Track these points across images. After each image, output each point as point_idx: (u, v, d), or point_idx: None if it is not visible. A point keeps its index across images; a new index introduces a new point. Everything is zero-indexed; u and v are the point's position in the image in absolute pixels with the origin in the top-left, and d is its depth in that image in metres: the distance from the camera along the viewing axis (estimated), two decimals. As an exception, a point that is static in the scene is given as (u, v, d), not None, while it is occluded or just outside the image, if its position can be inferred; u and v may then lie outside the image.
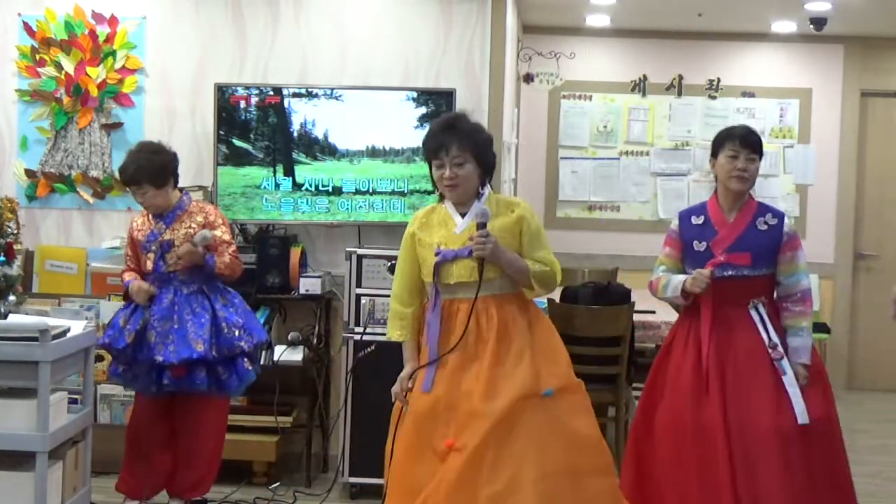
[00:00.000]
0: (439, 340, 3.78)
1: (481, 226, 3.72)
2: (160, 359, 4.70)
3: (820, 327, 8.25)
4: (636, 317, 5.97)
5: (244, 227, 5.86)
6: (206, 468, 4.98)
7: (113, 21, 5.97)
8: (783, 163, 8.61)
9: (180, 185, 5.78)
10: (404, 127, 5.72)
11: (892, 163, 8.73)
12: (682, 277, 4.19)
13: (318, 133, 5.77)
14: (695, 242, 4.21)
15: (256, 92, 5.77)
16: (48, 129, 6.00)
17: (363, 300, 5.43)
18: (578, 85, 8.66)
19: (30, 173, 6.01)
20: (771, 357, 4.06)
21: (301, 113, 5.76)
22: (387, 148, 5.75)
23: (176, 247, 4.81)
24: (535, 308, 3.90)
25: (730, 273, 4.11)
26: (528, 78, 8.18)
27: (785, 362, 4.05)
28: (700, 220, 4.24)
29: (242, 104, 5.77)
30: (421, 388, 3.77)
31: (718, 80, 8.70)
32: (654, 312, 6.37)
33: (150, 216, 4.92)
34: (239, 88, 5.79)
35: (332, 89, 5.79)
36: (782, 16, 8.00)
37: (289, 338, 5.67)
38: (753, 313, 4.11)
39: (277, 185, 5.77)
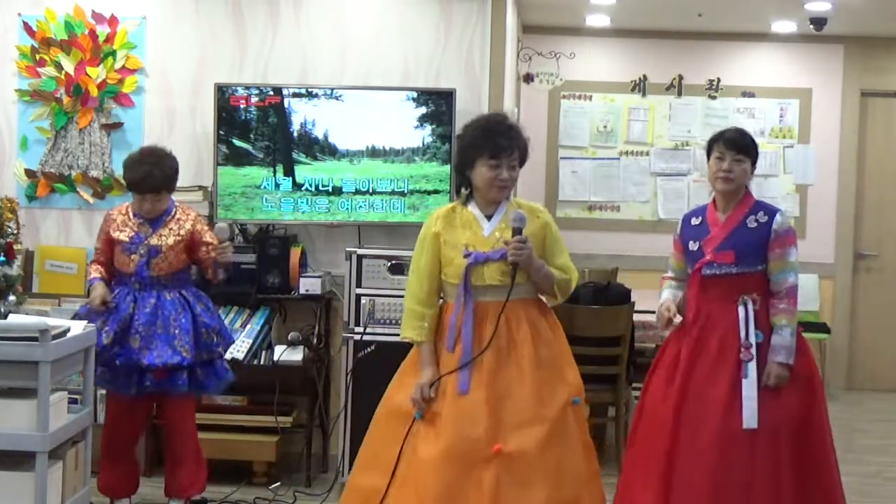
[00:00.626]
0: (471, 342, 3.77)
1: (517, 231, 3.72)
2: (145, 362, 4.71)
3: (820, 327, 8.26)
4: (636, 317, 5.98)
5: (244, 227, 5.86)
6: (197, 465, 4.99)
7: (113, 21, 5.96)
8: (783, 163, 8.61)
9: (179, 184, 5.76)
10: (404, 127, 5.72)
11: (892, 163, 8.74)
12: (665, 297, 4.35)
13: (318, 133, 5.77)
14: (690, 243, 4.27)
15: (256, 92, 5.77)
16: (48, 129, 6.00)
17: (363, 300, 5.43)
18: (578, 85, 8.66)
19: (30, 173, 6.01)
20: (741, 357, 4.07)
21: (301, 113, 5.76)
22: (387, 148, 5.75)
23: (164, 253, 4.81)
24: (552, 314, 3.93)
25: (718, 272, 4.15)
26: (528, 78, 8.18)
27: (752, 364, 4.05)
28: (698, 221, 4.29)
29: (242, 104, 5.77)
30: (458, 391, 3.72)
31: (718, 80, 8.70)
32: (653, 312, 6.37)
33: (132, 215, 4.88)
34: (239, 88, 5.79)
35: (332, 89, 5.79)
36: (782, 16, 8.00)
37: (289, 338, 5.67)
38: (741, 309, 4.12)
39: (277, 185, 5.77)
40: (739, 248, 4.13)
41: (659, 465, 4.10)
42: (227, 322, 5.65)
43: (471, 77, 5.89)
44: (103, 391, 5.58)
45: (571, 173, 8.72)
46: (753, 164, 4.26)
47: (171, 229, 4.86)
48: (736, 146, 4.21)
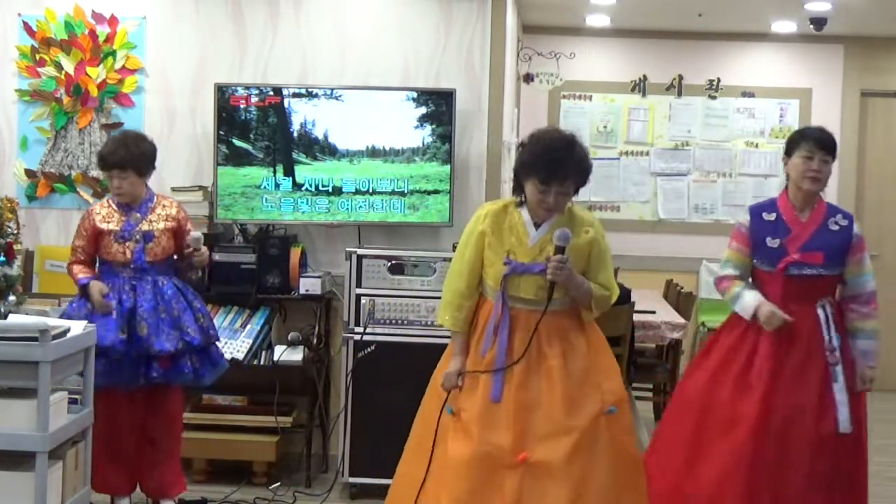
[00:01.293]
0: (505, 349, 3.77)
1: (560, 249, 3.68)
2: (157, 348, 4.70)
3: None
4: (636, 317, 5.98)
5: (244, 227, 5.85)
6: (179, 462, 5.00)
7: (113, 21, 5.96)
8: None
9: (179, 184, 5.84)
10: (404, 127, 5.72)
11: (892, 163, 8.74)
12: (753, 300, 4.14)
13: (318, 133, 5.77)
14: (768, 239, 4.17)
15: (256, 92, 5.77)
16: (48, 129, 6.00)
17: (363, 300, 5.43)
18: (578, 85, 8.67)
19: (30, 173, 6.01)
20: (827, 360, 4.08)
21: (301, 113, 5.76)
22: (387, 148, 5.75)
23: (157, 237, 4.82)
24: (591, 324, 3.90)
25: (804, 272, 4.11)
26: (528, 78, 8.18)
27: (839, 368, 4.07)
28: (772, 217, 4.20)
29: (242, 104, 5.77)
30: (491, 398, 3.72)
31: (718, 80, 8.70)
32: (654, 312, 6.38)
33: (116, 206, 4.87)
34: (239, 88, 5.79)
35: (332, 89, 5.78)
36: (782, 16, 8.00)
37: (289, 338, 5.66)
38: (820, 312, 4.12)
39: (277, 185, 5.77)
40: (827, 250, 4.11)
41: (745, 469, 4.03)
42: (227, 322, 5.67)
43: (471, 77, 5.89)
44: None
45: (571, 173, 8.71)
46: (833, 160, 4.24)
47: (158, 215, 4.87)
48: (825, 146, 4.15)
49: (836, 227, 4.16)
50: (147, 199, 4.90)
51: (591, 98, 8.76)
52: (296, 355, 5.61)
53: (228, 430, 5.60)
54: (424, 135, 5.72)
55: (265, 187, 5.76)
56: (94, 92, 5.95)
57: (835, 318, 4.13)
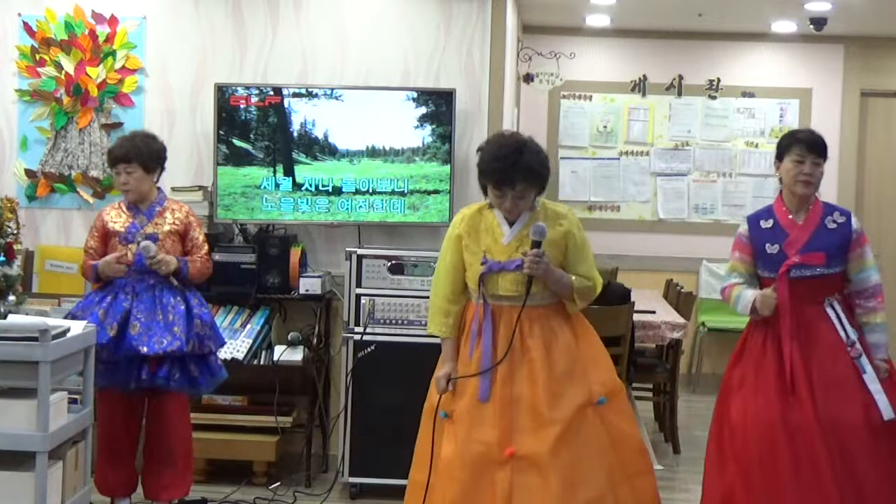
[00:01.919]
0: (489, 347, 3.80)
1: (536, 244, 3.73)
2: (145, 349, 4.67)
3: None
4: (636, 317, 5.98)
5: (244, 227, 5.85)
6: (182, 466, 4.95)
7: (113, 21, 5.96)
8: (783, 163, 8.61)
9: (179, 184, 5.82)
10: (404, 127, 5.72)
11: (891, 163, 8.74)
12: (751, 294, 4.16)
13: (318, 133, 5.77)
14: (767, 245, 4.19)
15: (256, 92, 5.77)
16: (48, 129, 5.99)
17: (363, 300, 5.43)
18: (578, 85, 8.67)
19: (30, 173, 6.01)
20: (850, 355, 4.09)
21: (301, 113, 5.76)
22: (387, 148, 5.75)
23: (160, 240, 4.80)
24: (577, 315, 3.93)
25: (806, 273, 4.12)
26: (528, 78, 8.18)
27: (864, 359, 4.09)
28: (769, 224, 4.22)
29: (242, 104, 5.77)
30: (479, 399, 3.75)
31: (718, 80, 8.70)
32: (654, 312, 6.38)
33: (125, 208, 4.88)
34: (239, 88, 5.79)
35: (332, 89, 5.78)
36: (782, 16, 8.00)
37: (289, 338, 5.66)
38: (829, 311, 4.13)
39: (277, 185, 5.77)
40: (828, 249, 4.12)
41: (817, 474, 3.98)
42: (227, 322, 5.66)
43: (471, 77, 5.89)
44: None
45: (571, 173, 8.72)
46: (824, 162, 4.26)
47: (165, 218, 4.87)
48: (815, 149, 4.18)
49: (833, 226, 4.17)
50: (156, 202, 4.89)
51: (591, 98, 8.76)
52: (296, 355, 5.61)
53: (228, 430, 5.60)
54: (424, 135, 5.72)
55: (265, 187, 5.76)
56: (94, 92, 5.95)
57: (845, 312, 4.15)
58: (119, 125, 5.95)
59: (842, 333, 4.11)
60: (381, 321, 5.42)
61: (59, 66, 5.96)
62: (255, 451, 5.61)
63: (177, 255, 4.86)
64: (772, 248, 4.18)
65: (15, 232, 5.45)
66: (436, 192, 5.71)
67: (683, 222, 8.74)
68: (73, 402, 4.46)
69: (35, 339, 4.06)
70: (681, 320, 6.34)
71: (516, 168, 3.74)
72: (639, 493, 3.83)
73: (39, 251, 5.94)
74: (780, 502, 4.04)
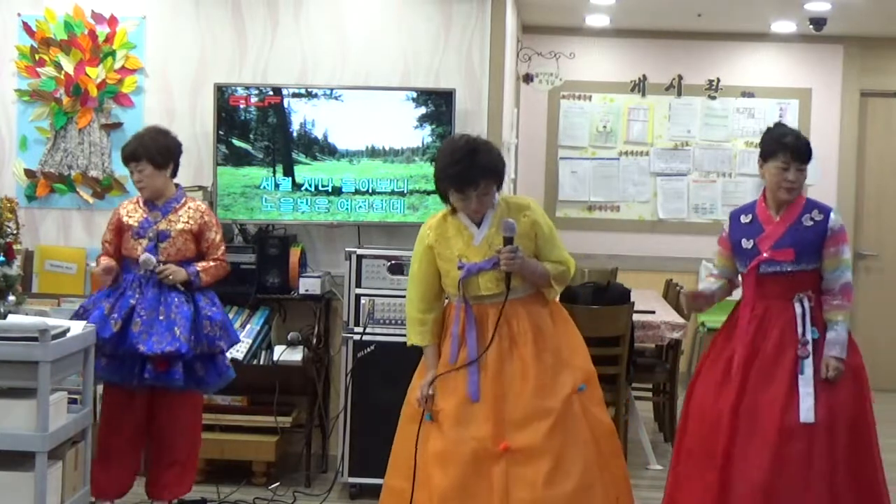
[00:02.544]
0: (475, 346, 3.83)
1: (508, 240, 3.76)
2: (143, 349, 4.65)
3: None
4: (636, 317, 5.97)
5: (244, 228, 5.85)
6: (186, 466, 4.94)
7: (112, 21, 5.96)
8: (783, 163, 8.61)
9: (179, 184, 5.80)
10: (404, 127, 5.72)
11: (891, 163, 8.74)
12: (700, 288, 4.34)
13: (318, 133, 5.77)
14: (743, 241, 4.24)
15: (256, 92, 5.77)
16: (48, 129, 5.99)
17: (363, 300, 5.43)
18: (578, 85, 8.66)
19: (29, 173, 6.01)
20: (798, 353, 4.10)
21: (300, 113, 5.76)
22: (386, 148, 5.75)
23: (172, 238, 4.79)
24: (555, 303, 3.99)
25: (773, 269, 4.15)
26: (528, 78, 8.18)
27: (808, 361, 4.10)
28: (748, 219, 4.27)
29: (242, 104, 5.77)
30: (470, 398, 3.77)
31: (718, 80, 8.70)
32: (653, 312, 6.38)
33: (142, 203, 4.87)
34: (238, 88, 5.79)
35: (332, 89, 5.78)
36: (782, 16, 8.00)
37: (288, 338, 5.67)
38: (797, 306, 4.15)
39: (277, 186, 5.77)
40: (798, 246, 4.14)
41: (715, 462, 4.12)
42: (226, 322, 5.65)
43: (470, 77, 5.89)
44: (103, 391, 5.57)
45: (571, 173, 8.72)
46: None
47: (179, 216, 4.85)
48: (800, 156, 4.17)
49: (810, 223, 4.18)
50: (173, 199, 4.88)
51: (590, 98, 8.76)
52: (295, 355, 5.61)
53: (228, 430, 5.60)
54: (424, 135, 5.72)
55: (265, 187, 5.76)
56: (93, 92, 5.95)
57: (813, 311, 4.15)
58: (119, 125, 5.95)
59: (799, 330, 4.12)
60: (381, 321, 5.42)
61: (58, 66, 5.96)
62: (255, 451, 5.61)
63: (189, 255, 4.84)
64: (747, 244, 4.22)
65: (14, 232, 5.46)
66: (435, 192, 5.69)
67: (683, 222, 8.74)
68: (72, 402, 4.47)
69: (35, 339, 4.06)
70: (680, 320, 6.34)
71: (474, 168, 3.78)
72: (615, 476, 3.89)
73: (39, 251, 5.94)
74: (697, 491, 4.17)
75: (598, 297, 5.86)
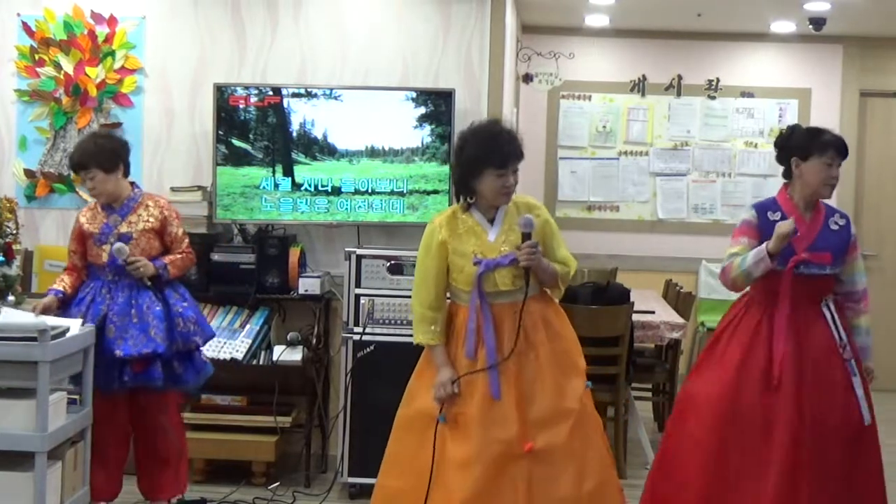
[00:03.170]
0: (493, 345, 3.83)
1: (527, 236, 3.78)
2: (120, 353, 4.62)
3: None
4: (635, 317, 5.97)
5: (243, 228, 5.85)
6: (178, 465, 4.93)
7: (112, 21, 5.96)
8: (782, 163, 8.61)
9: (178, 184, 5.82)
10: (403, 127, 5.72)
11: (891, 163, 8.74)
12: (760, 247, 4.08)
13: (318, 133, 5.77)
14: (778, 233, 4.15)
15: (255, 92, 5.77)
16: (47, 129, 5.99)
17: (362, 300, 5.43)
18: (577, 85, 8.67)
19: (29, 173, 6.01)
20: (843, 357, 4.12)
21: (300, 113, 5.76)
22: (386, 148, 5.75)
23: (135, 239, 4.73)
24: (555, 303, 4.01)
25: (812, 271, 4.13)
26: (528, 78, 8.18)
27: (853, 363, 4.13)
28: (777, 217, 4.18)
29: (241, 104, 5.77)
30: (493, 396, 3.77)
31: (718, 80, 8.70)
32: (653, 312, 6.38)
33: (100, 208, 4.82)
34: (238, 88, 5.79)
35: (332, 89, 5.78)
36: (781, 16, 8.00)
37: (288, 338, 5.66)
38: (826, 311, 4.16)
39: (276, 186, 5.77)
40: (833, 250, 4.13)
41: (777, 468, 4.02)
42: (226, 322, 5.66)
43: (470, 77, 5.89)
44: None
45: (570, 173, 8.72)
46: None
47: (139, 216, 4.79)
48: (844, 153, 4.17)
49: (836, 227, 4.19)
50: (131, 199, 4.82)
51: (590, 98, 8.76)
52: (295, 355, 5.61)
53: (227, 430, 5.60)
54: (423, 135, 5.72)
55: (264, 187, 5.76)
56: (93, 92, 5.95)
57: (838, 314, 4.19)
58: (118, 125, 5.95)
59: (836, 335, 4.14)
60: (381, 321, 5.42)
61: (58, 66, 5.96)
62: (255, 451, 5.61)
63: (154, 252, 4.79)
64: (770, 245, 4.17)
65: (14, 232, 5.45)
66: (435, 192, 5.71)
67: (683, 222, 8.74)
68: (72, 402, 4.46)
69: (34, 339, 4.06)
70: (680, 320, 6.34)
71: (512, 138, 3.85)
72: (615, 478, 3.97)
73: (38, 251, 5.94)
74: (723, 484, 4.10)
75: (598, 297, 5.86)
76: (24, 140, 6.01)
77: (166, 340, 4.68)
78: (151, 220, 4.80)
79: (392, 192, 5.75)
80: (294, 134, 5.77)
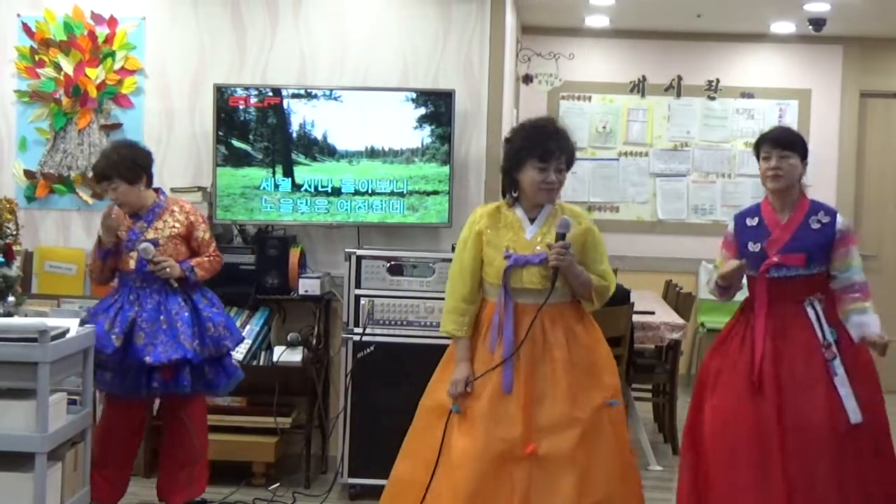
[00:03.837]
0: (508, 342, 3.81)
1: (562, 237, 3.76)
2: (149, 360, 4.64)
3: (819, 328, 8.25)
4: (635, 317, 5.97)
5: (243, 228, 5.86)
6: (199, 468, 4.95)
7: (112, 22, 5.96)
8: (782, 163, 8.61)
9: (178, 185, 5.82)
10: (403, 128, 5.72)
11: (890, 164, 8.75)
12: (728, 265, 4.20)
13: (318, 134, 5.77)
14: (749, 244, 4.21)
15: (255, 93, 5.77)
16: (47, 129, 5.99)
17: (362, 301, 5.43)
18: (577, 86, 8.67)
19: (29, 174, 6.01)
20: (825, 357, 4.08)
21: (300, 114, 5.76)
22: (386, 149, 5.75)
23: (161, 245, 4.75)
24: (589, 317, 3.95)
25: (785, 274, 4.12)
26: (528, 79, 8.18)
27: (837, 362, 4.08)
28: (755, 222, 4.24)
29: (241, 105, 5.77)
30: (503, 389, 3.76)
31: (717, 80, 8.71)
32: (653, 313, 6.38)
33: (126, 215, 4.83)
34: (238, 89, 5.79)
35: (332, 90, 5.78)
36: (781, 17, 8.01)
37: (288, 338, 5.67)
38: (809, 310, 4.13)
39: (276, 186, 5.77)
40: (809, 250, 4.11)
41: (770, 472, 4.03)
42: (226, 323, 5.65)
43: (470, 78, 5.89)
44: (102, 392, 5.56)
45: (571, 174, 8.63)
46: (802, 157, 4.22)
47: (165, 222, 4.82)
48: (780, 143, 4.19)
49: (817, 225, 4.16)
50: (155, 206, 4.84)
51: (590, 99, 8.76)
52: (295, 356, 5.61)
53: (228, 431, 5.59)
54: (423, 135, 5.72)
55: (264, 188, 5.76)
56: (93, 93, 5.95)
57: (826, 312, 4.13)
58: (118, 126, 5.95)
59: (819, 334, 4.10)
60: (381, 322, 5.42)
61: (58, 67, 5.96)
62: (255, 451, 5.61)
63: (181, 257, 4.82)
64: (754, 247, 4.19)
65: (14, 233, 5.45)
66: (435, 192, 5.71)
67: (682, 223, 8.75)
68: (72, 402, 4.46)
69: (34, 339, 4.06)
70: (680, 321, 6.34)
71: (560, 136, 3.88)
72: (634, 495, 3.89)
73: (38, 252, 5.94)
74: (738, 500, 4.07)
75: (598, 297, 5.85)
76: (24, 141, 6.01)
77: (196, 346, 4.71)
78: (178, 226, 4.83)
79: (392, 193, 5.75)
80: (294, 135, 5.77)
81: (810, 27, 7.88)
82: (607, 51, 8.76)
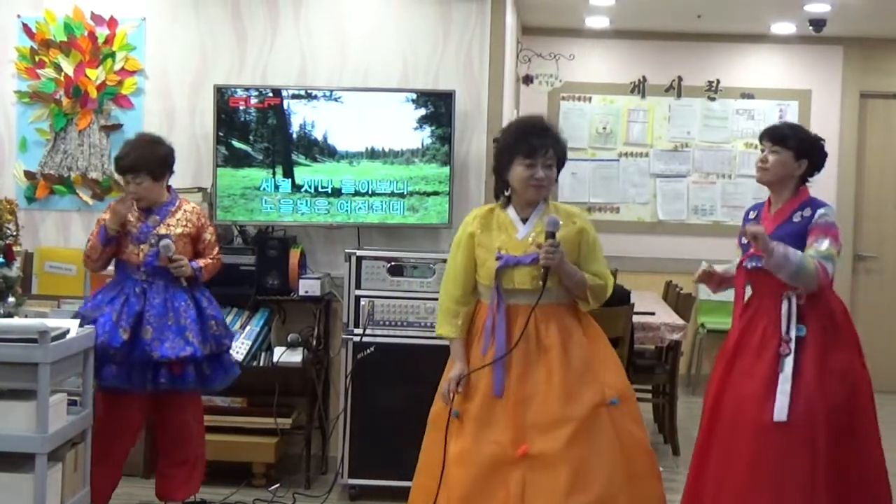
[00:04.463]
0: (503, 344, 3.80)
1: (551, 235, 3.73)
2: (157, 355, 4.65)
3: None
4: (635, 318, 5.98)
5: (243, 229, 5.86)
6: (197, 464, 4.96)
7: (112, 23, 5.96)
8: (782, 164, 8.61)
9: (178, 186, 5.78)
10: (403, 128, 5.72)
11: (890, 164, 8.75)
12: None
13: (318, 134, 5.77)
14: (743, 237, 4.25)
15: (256, 93, 5.77)
16: (47, 130, 6.00)
17: (362, 301, 5.43)
18: (578, 86, 8.67)
19: (29, 175, 6.01)
20: (779, 350, 4.07)
21: (300, 114, 5.76)
22: (386, 149, 5.75)
23: (173, 241, 4.76)
24: (587, 317, 3.93)
25: (755, 264, 4.15)
26: (528, 79, 8.18)
27: (789, 359, 4.06)
28: (754, 216, 4.31)
29: (242, 106, 5.77)
30: (493, 393, 3.75)
31: (718, 81, 8.71)
32: (653, 314, 6.38)
33: (136, 207, 4.83)
34: (238, 90, 5.79)
35: (332, 91, 5.79)
36: (781, 17, 8.01)
37: (288, 339, 5.67)
38: (784, 304, 4.12)
39: (277, 187, 5.77)
40: (785, 242, 4.09)
41: (696, 457, 4.21)
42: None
43: (470, 78, 5.89)
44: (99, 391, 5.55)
45: (571, 175, 8.72)
46: (797, 155, 4.23)
47: (177, 220, 4.84)
48: (770, 136, 4.24)
49: (798, 219, 4.16)
50: (168, 203, 4.86)
51: (590, 99, 8.76)
52: (295, 357, 5.61)
53: (228, 432, 5.60)
54: (424, 136, 5.72)
55: (264, 189, 5.76)
56: (93, 93, 5.95)
57: (802, 309, 4.10)
58: (118, 127, 5.95)
59: (783, 327, 4.09)
60: (381, 323, 5.42)
61: (58, 68, 5.96)
62: (255, 452, 5.61)
63: (189, 255, 4.85)
64: (745, 239, 4.22)
65: (14, 233, 5.44)
66: (435, 193, 5.71)
67: (683, 224, 8.75)
68: (72, 403, 4.46)
69: (34, 340, 4.06)
70: (680, 322, 6.35)
71: (547, 134, 3.83)
72: (645, 496, 3.81)
73: (39, 253, 5.94)
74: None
75: (598, 298, 5.85)
76: (25, 141, 6.01)
77: (201, 343, 4.74)
78: (189, 226, 4.85)
79: (392, 194, 5.75)
80: (294, 135, 5.77)
81: (810, 28, 7.88)
82: (607, 51, 8.76)
